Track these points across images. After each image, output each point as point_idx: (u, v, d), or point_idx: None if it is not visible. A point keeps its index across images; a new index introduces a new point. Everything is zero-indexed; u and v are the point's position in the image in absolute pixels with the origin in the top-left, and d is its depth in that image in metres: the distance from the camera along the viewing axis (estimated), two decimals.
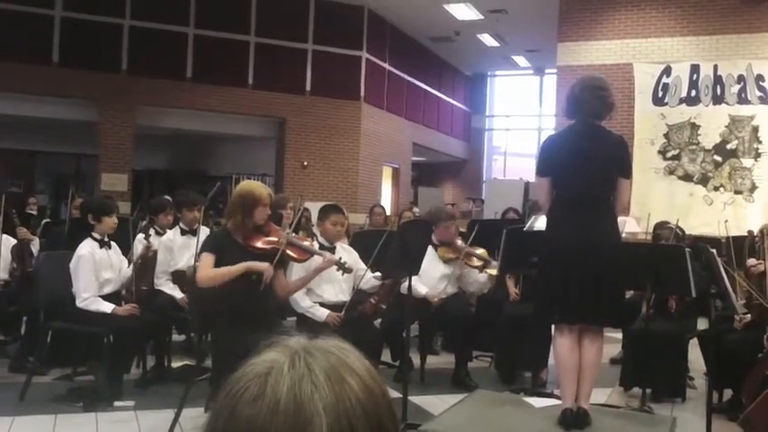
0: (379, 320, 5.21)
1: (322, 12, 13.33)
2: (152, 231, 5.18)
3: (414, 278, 4.42)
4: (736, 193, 10.72)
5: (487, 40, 15.29)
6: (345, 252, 4.69)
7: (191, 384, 4.06)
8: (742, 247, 5.37)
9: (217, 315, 3.87)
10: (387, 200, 15.28)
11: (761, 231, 5.00)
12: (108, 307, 4.48)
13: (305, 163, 13.37)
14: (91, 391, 4.48)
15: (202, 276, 3.84)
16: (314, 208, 6.55)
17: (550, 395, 4.44)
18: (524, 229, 5.18)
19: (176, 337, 5.77)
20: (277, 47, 13.11)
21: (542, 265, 3.76)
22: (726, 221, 5.67)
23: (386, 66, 14.84)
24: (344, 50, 13.65)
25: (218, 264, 3.84)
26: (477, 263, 5.41)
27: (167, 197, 6.00)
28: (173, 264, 5.08)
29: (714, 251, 3.88)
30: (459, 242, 5.46)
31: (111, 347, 4.50)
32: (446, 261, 5.36)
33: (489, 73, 19.74)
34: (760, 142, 10.62)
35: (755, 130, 10.64)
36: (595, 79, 3.85)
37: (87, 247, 4.55)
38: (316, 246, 4.49)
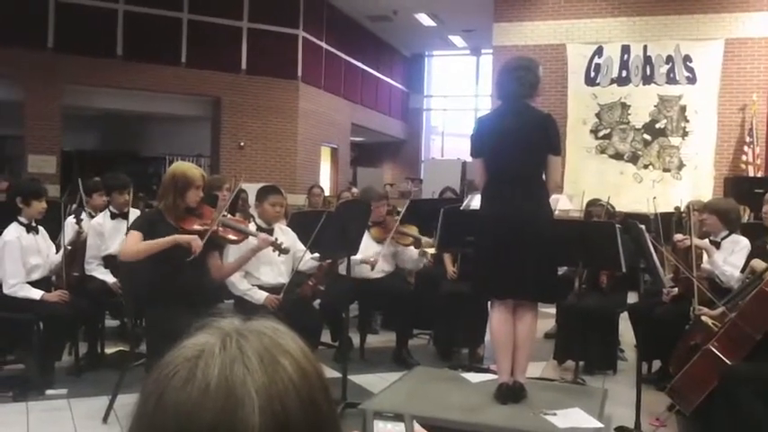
0: (318, 301, 5.21)
1: None
2: (84, 215, 5.04)
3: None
4: (665, 171, 11.08)
5: (424, 19, 15.31)
6: (283, 233, 4.65)
7: (125, 370, 3.98)
8: (669, 223, 5.56)
9: (151, 299, 3.80)
10: (325, 180, 15.22)
11: (687, 208, 5.18)
12: (36, 293, 4.35)
13: (241, 143, 13.17)
14: (21, 381, 4.35)
15: (127, 251, 3.77)
16: (251, 189, 6.46)
17: (487, 370, 4.52)
18: (461, 208, 5.25)
19: (110, 322, 5.65)
20: (211, 24, 12.83)
21: (477, 243, 3.82)
22: (654, 198, 5.84)
23: (323, 45, 14.70)
24: (280, 28, 13.45)
25: None
26: (408, 240, 5.46)
27: (97, 179, 5.83)
28: (104, 248, 4.96)
29: (643, 227, 3.99)
30: (390, 220, 5.50)
31: (42, 335, 4.37)
32: (379, 241, 5.39)
33: (427, 53, 19.80)
34: (687, 121, 10.98)
35: (683, 109, 10.99)
36: (517, 60, 3.90)
37: (14, 232, 4.40)
38: (252, 227, 4.44)
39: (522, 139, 3.60)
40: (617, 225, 4.60)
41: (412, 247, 5.47)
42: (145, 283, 3.80)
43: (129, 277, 4.07)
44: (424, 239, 5.41)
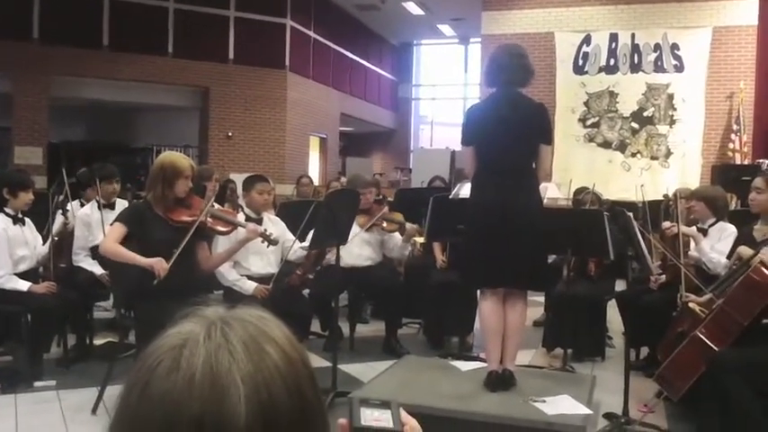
0: (308, 291, 5.21)
1: None
2: (70, 206, 5.00)
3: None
4: (653, 158, 11.12)
5: (413, 8, 15.26)
6: (272, 223, 4.65)
7: (114, 361, 3.97)
8: (657, 210, 5.58)
9: (141, 291, 3.78)
10: (314, 170, 15.18)
11: (674, 195, 5.20)
12: (24, 285, 4.33)
13: (230, 134, 13.12)
14: (10, 373, 4.33)
15: (106, 246, 3.80)
16: (240, 179, 6.45)
17: (477, 358, 4.54)
18: (450, 197, 5.25)
19: (105, 314, 5.65)
20: (197, 13, 12.74)
21: (467, 232, 3.82)
22: (642, 186, 5.86)
23: (311, 34, 14.63)
24: (268, 18, 13.37)
25: (134, 236, 3.76)
26: (393, 226, 5.46)
27: (84, 170, 5.80)
28: (91, 239, 4.92)
29: (631, 215, 4.00)
30: (376, 208, 5.50)
31: (30, 326, 4.35)
32: (365, 228, 5.38)
33: (415, 42, 19.76)
34: (675, 109, 11.01)
35: (671, 97, 11.02)
36: (515, 47, 3.89)
37: (0, 224, 4.36)
38: (241, 218, 4.43)
39: (515, 128, 3.59)
40: (605, 213, 4.62)
41: (397, 234, 5.46)
42: (134, 275, 3.78)
43: (119, 269, 4.05)
44: (408, 225, 5.41)
